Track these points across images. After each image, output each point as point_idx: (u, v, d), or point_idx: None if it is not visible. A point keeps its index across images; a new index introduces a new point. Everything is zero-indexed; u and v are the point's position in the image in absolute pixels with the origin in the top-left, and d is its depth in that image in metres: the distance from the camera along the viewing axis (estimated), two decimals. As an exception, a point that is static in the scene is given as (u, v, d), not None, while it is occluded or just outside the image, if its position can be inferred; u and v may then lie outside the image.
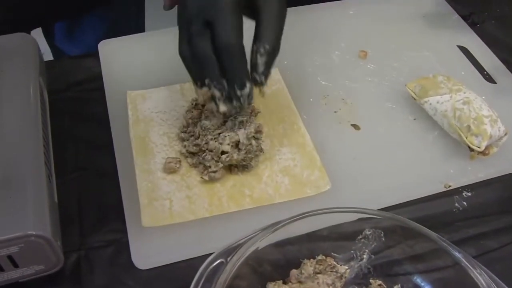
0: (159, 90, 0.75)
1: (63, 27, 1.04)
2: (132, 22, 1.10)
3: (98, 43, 0.82)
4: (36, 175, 0.56)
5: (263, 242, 0.52)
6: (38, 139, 0.60)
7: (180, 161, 0.66)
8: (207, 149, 0.65)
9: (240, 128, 0.65)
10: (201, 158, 0.65)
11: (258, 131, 0.66)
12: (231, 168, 0.66)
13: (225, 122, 0.67)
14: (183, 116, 0.71)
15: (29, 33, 0.73)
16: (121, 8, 1.04)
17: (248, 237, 0.53)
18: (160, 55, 0.80)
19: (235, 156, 0.63)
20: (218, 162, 0.64)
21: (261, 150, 0.66)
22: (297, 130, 0.71)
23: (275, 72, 0.78)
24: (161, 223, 0.61)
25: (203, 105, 0.70)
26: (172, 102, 0.74)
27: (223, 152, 0.64)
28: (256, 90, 0.62)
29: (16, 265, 0.52)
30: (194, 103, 0.71)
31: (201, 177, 0.65)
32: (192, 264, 0.58)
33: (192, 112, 0.70)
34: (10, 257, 0.51)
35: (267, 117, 0.72)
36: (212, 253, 0.52)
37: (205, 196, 0.64)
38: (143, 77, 0.77)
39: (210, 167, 0.64)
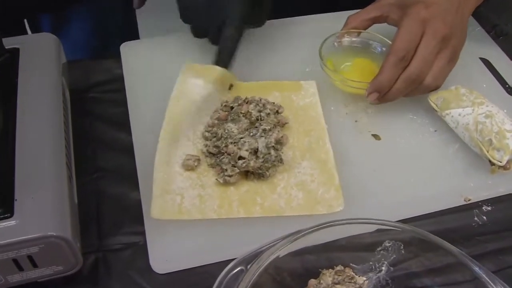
0: None
1: (49, 22, 1.02)
2: (119, 17, 1.07)
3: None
4: (58, 176, 0.56)
5: (283, 251, 0.52)
6: (60, 140, 0.60)
7: (199, 160, 0.66)
8: (225, 152, 0.65)
9: (262, 136, 0.65)
10: (218, 160, 0.65)
11: (279, 142, 0.66)
12: (247, 174, 0.66)
13: (249, 127, 0.67)
14: (210, 116, 0.71)
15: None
16: (107, 2, 1.02)
17: (268, 245, 0.52)
18: (182, 58, 0.80)
19: (251, 163, 0.63)
20: (235, 166, 0.64)
21: (280, 160, 0.66)
22: (322, 145, 0.69)
23: (311, 85, 0.77)
24: (168, 217, 0.61)
25: (231, 107, 0.70)
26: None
27: (240, 158, 0.64)
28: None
29: (35, 265, 0.52)
30: (223, 105, 0.71)
31: (216, 179, 0.65)
32: (210, 270, 0.58)
33: (219, 113, 0.70)
34: (30, 257, 0.51)
35: (294, 128, 0.71)
36: (230, 260, 0.52)
37: (216, 198, 0.63)
38: (165, 79, 0.77)
39: (226, 170, 0.64)
